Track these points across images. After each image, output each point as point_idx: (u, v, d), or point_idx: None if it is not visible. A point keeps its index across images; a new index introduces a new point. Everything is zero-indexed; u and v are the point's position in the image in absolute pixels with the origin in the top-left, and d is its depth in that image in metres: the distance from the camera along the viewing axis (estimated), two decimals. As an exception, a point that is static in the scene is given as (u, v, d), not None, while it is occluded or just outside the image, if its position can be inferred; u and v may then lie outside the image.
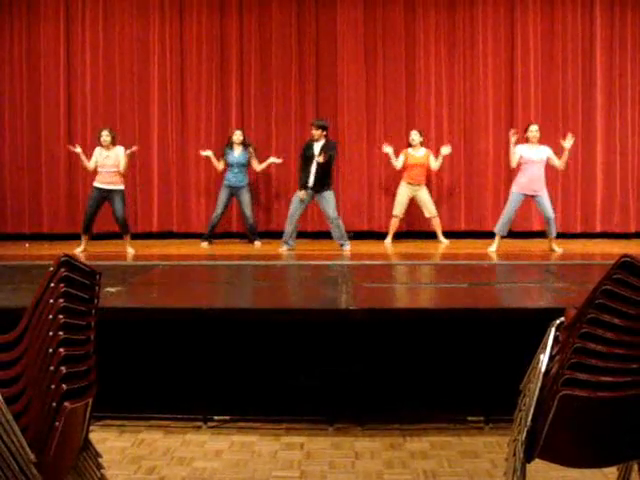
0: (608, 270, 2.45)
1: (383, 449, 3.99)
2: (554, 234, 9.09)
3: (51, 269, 2.34)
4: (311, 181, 9.24)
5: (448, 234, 10.57)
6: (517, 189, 9.05)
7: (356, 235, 10.49)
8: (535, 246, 9.35)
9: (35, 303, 2.34)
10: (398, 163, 10.20)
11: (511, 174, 11.02)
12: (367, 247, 9.65)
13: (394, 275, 6.87)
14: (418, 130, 10.37)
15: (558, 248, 9.00)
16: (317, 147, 9.32)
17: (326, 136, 9.41)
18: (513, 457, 2.62)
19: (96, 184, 9.15)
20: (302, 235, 10.87)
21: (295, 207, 9.42)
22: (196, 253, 9.24)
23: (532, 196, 9.02)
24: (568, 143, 9.06)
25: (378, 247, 9.82)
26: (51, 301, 2.30)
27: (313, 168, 9.24)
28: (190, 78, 11.23)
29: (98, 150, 9.20)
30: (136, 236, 10.14)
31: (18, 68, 11.21)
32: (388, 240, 10.18)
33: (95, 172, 9.18)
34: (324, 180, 9.29)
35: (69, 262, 2.37)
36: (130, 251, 9.05)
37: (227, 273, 7.24)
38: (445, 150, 10.22)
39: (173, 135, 11.27)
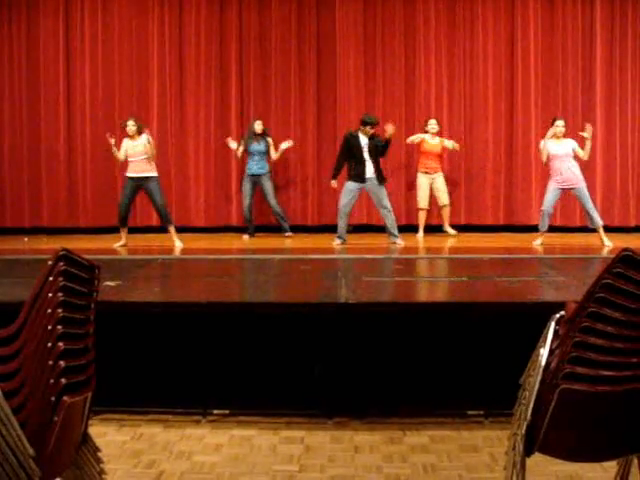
0: (608, 264, 2.44)
1: (383, 443, 3.99)
2: (600, 223, 9.01)
3: (49, 263, 2.33)
4: (370, 173, 9.11)
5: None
6: (555, 184, 9.02)
7: (355, 229, 10.49)
8: (534, 240, 9.32)
9: (33, 297, 2.33)
10: (412, 137, 10.28)
11: (511, 167, 11.05)
12: (366, 240, 9.65)
13: (393, 269, 6.87)
14: (436, 119, 10.41)
15: (609, 241, 8.88)
16: (364, 139, 9.20)
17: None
18: (513, 451, 2.62)
19: (129, 174, 9.07)
20: (302, 229, 10.89)
21: (346, 200, 9.26)
22: (195, 247, 9.23)
23: (570, 189, 9.01)
24: (587, 133, 9.03)
25: (377, 240, 9.80)
26: (50, 295, 2.29)
27: (368, 160, 9.11)
28: (189, 72, 11.20)
29: (126, 141, 9.12)
30: (136, 230, 10.14)
31: (17, 62, 11.18)
32: (420, 234, 10.14)
33: (125, 163, 9.11)
34: (381, 171, 9.23)
35: (67, 256, 2.36)
36: (178, 244, 9.00)
37: (226, 267, 7.23)
38: (454, 145, 10.24)
39: (172, 129, 11.25)
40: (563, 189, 9.03)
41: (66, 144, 11.19)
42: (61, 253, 2.35)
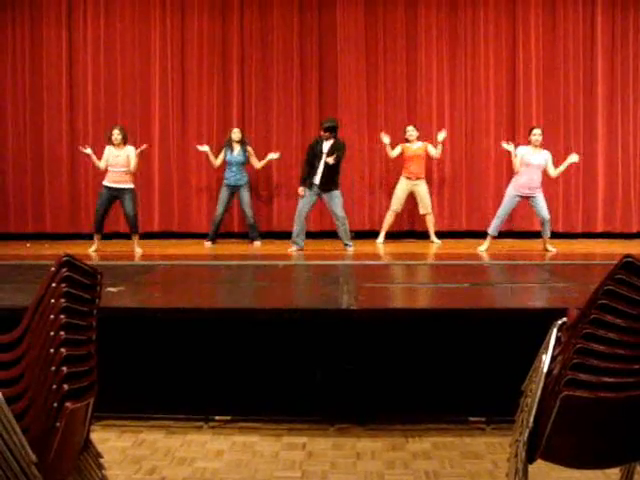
0: (610, 270, 2.44)
1: (385, 449, 3.98)
2: (548, 234, 9.09)
3: (52, 269, 2.33)
4: (318, 179, 9.16)
5: (449, 234, 10.58)
6: (513, 191, 9.04)
7: (357, 235, 10.48)
8: (536, 246, 9.33)
9: (36, 303, 2.33)
10: (393, 152, 10.22)
11: (513, 173, 11.04)
12: (368, 247, 9.64)
13: (395, 275, 6.87)
14: (413, 125, 10.39)
15: (552, 248, 9.02)
16: (326, 145, 9.23)
17: (335, 136, 9.33)
18: (515, 458, 2.61)
19: (105, 183, 9.08)
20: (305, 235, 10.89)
21: (302, 205, 9.31)
22: (197, 253, 9.24)
23: (527, 197, 9.02)
24: (573, 159, 9.15)
25: (380, 247, 9.81)
26: (52, 301, 2.29)
27: (321, 166, 9.14)
28: (191, 77, 11.23)
29: (108, 149, 9.11)
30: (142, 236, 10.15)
31: (20, 68, 11.23)
32: (380, 239, 10.14)
33: (105, 171, 9.09)
34: (332, 179, 9.20)
35: (70, 262, 2.36)
36: (138, 251, 8.98)
37: (228, 273, 7.23)
38: (441, 136, 10.20)
39: (174, 135, 11.27)
40: (521, 197, 9.03)
41: (69, 150, 11.21)
42: (64, 259, 2.35)
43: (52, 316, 2.28)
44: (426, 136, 10.52)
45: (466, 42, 11.15)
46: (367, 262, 7.88)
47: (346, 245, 9.30)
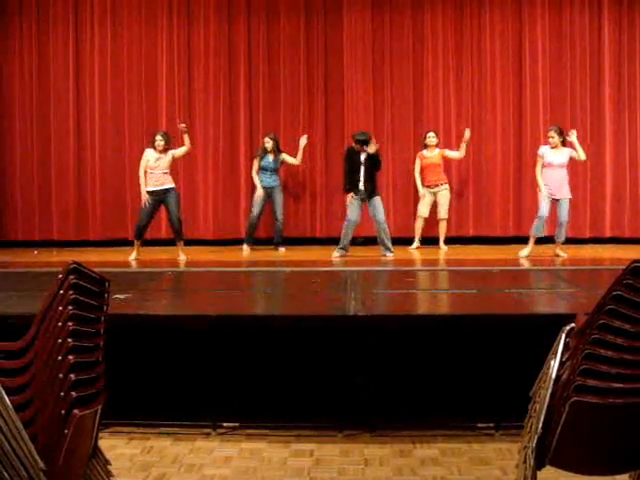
0: (619, 275, 2.44)
1: (393, 456, 3.97)
2: (562, 239, 9.07)
3: (60, 276, 2.34)
4: (361, 185, 9.23)
5: (456, 240, 10.55)
6: (545, 192, 9.02)
7: (366, 241, 10.47)
8: (545, 252, 9.30)
9: (44, 310, 2.34)
10: (416, 167, 10.27)
11: (520, 178, 11.03)
12: (377, 253, 9.62)
13: (403, 281, 6.86)
14: (435, 132, 10.41)
15: (563, 253, 9.02)
16: (363, 154, 9.27)
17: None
18: (523, 464, 2.60)
19: (149, 188, 9.08)
20: (310, 242, 10.89)
21: (353, 213, 9.37)
22: (204, 259, 9.23)
23: (556, 200, 9.03)
24: (573, 137, 9.15)
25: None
26: (60, 308, 2.30)
27: (362, 174, 9.23)
28: (198, 85, 11.24)
29: (150, 152, 9.15)
30: (144, 243, 10.15)
31: (28, 75, 11.26)
32: (415, 245, 10.14)
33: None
34: (373, 185, 9.31)
35: (77, 269, 2.37)
36: (182, 258, 8.94)
37: (236, 280, 7.23)
38: (467, 135, 10.20)
39: (181, 142, 11.25)
40: (553, 198, 9.05)
41: (76, 157, 11.23)
42: (71, 266, 2.36)
43: (60, 323, 2.28)
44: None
45: (472, 46, 11.14)
46: (374, 268, 7.87)
47: (385, 251, 9.28)
